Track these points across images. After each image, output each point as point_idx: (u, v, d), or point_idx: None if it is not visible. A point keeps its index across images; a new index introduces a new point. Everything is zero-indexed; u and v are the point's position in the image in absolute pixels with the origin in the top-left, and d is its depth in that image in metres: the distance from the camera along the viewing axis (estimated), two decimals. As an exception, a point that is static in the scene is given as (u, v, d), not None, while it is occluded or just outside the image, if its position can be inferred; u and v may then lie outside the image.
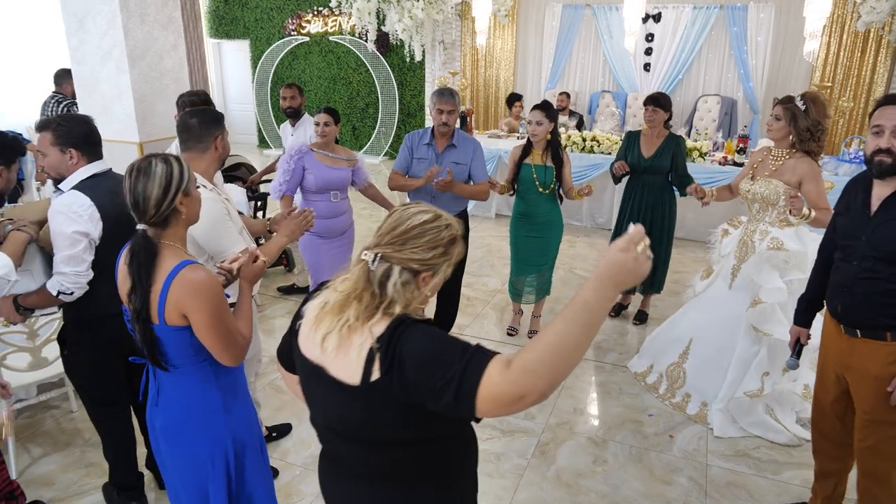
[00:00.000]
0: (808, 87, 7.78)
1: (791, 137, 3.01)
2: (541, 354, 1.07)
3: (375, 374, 1.19)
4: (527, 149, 3.87)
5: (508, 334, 4.31)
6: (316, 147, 3.66)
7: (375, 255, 1.26)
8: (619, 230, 4.47)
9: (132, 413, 2.64)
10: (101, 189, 2.26)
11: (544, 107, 3.78)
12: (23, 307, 2.30)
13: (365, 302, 1.25)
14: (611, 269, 1.08)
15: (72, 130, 2.27)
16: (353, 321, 1.24)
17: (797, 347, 2.53)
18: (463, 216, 3.82)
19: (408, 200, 3.76)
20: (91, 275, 2.26)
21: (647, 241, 1.10)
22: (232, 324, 1.81)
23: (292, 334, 1.42)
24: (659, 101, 4.06)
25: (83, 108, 4.94)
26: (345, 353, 1.24)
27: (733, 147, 6.26)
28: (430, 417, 1.21)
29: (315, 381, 1.32)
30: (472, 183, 3.65)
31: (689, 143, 6.16)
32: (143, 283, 1.72)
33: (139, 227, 1.79)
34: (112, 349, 2.39)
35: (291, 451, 3.09)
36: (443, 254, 1.29)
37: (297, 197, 3.75)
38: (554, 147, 3.83)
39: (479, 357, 1.13)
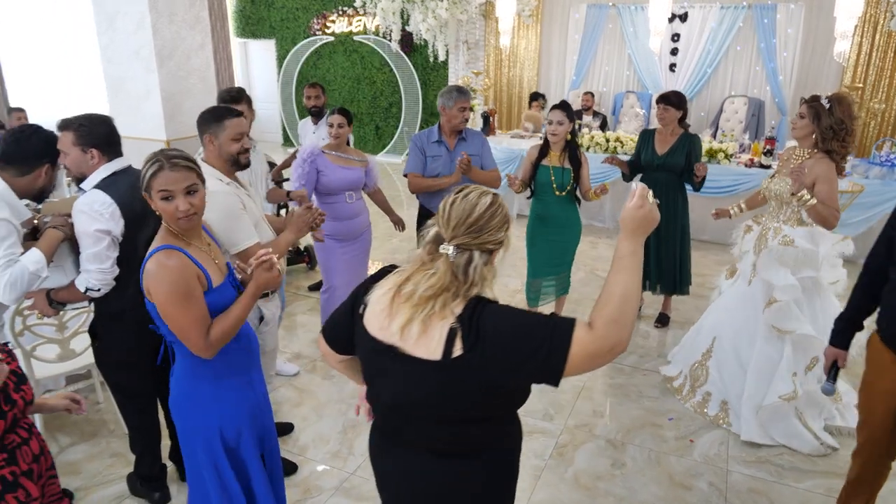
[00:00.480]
0: (839, 88, 7.62)
1: (814, 136, 3.00)
2: (617, 306, 1.25)
3: (458, 351, 1.28)
4: (544, 150, 3.84)
5: None
6: (328, 148, 3.66)
7: (455, 247, 1.33)
8: None
9: (159, 407, 2.69)
10: (121, 186, 2.30)
11: (564, 106, 3.77)
12: (55, 301, 2.36)
13: (451, 291, 1.33)
14: (635, 224, 1.30)
15: (93, 131, 2.31)
16: (440, 309, 1.31)
17: (833, 371, 2.33)
18: None
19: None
20: (116, 271, 2.31)
21: (651, 191, 1.32)
22: (187, 318, 1.80)
23: (353, 319, 1.47)
24: (670, 100, 4.06)
25: (112, 107, 5.05)
26: (426, 334, 1.32)
27: (760, 149, 6.16)
28: (498, 394, 1.34)
29: (388, 360, 1.37)
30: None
31: (715, 145, 6.09)
32: (142, 259, 1.87)
33: None
34: (141, 341, 2.43)
35: (311, 446, 3.13)
36: (508, 228, 1.39)
37: (312, 200, 3.76)
38: (572, 148, 3.81)
39: (563, 322, 1.27)
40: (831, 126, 2.92)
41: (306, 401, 3.52)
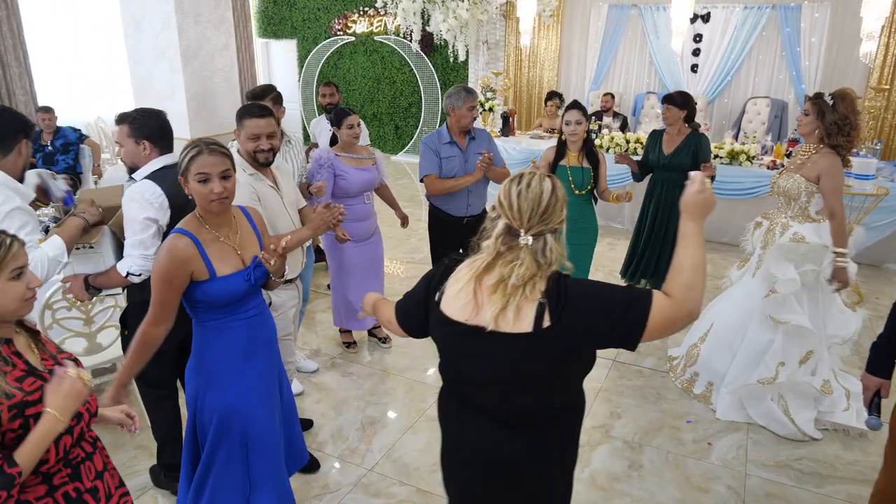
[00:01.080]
0: (865, 89, 7.51)
1: (818, 132, 3.07)
2: (691, 275, 1.40)
3: (546, 323, 1.42)
4: (560, 150, 3.84)
5: None
6: (340, 150, 3.66)
7: (531, 237, 1.46)
8: (640, 227, 4.49)
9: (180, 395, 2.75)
10: (170, 179, 2.37)
11: (579, 106, 3.77)
12: (92, 287, 2.43)
13: (539, 276, 1.46)
14: (697, 206, 1.46)
15: (146, 123, 2.43)
16: (530, 293, 1.44)
17: (875, 402, 2.14)
18: (486, 212, 3.86)
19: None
20: None
21: (707, 179, 1.48)
22: (156, 296, 1.99)
23: (427, 307, 1.61)
24: (673, 99, 4.13)
25: (139, 106, 5.14)
26: (519, 312, 1.44)
27: (783, 151, 6.09)
28: (579, 359, 1.50)
29: (473, 340, 1.49)
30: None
31: (737, 147, 6.03)
32: None
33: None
34: (170, 332, 2.50)
35: (329, 442, 3.17)
36: (564, 206, 1.51)
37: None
38: (589, 147, 3.80)
39: (642, 291, 1.43)
40: (835, 122, 3.00)
41: (325, 397, 3.56)
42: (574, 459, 1.71)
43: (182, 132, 4.81)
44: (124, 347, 2.68)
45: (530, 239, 1.46)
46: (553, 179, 1.51)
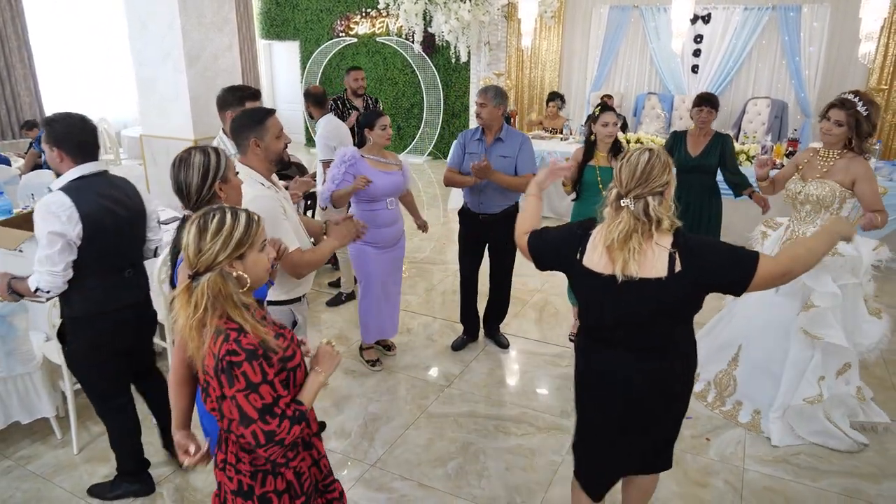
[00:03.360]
0: (865, 89, 7.53)
1: (851, 140, 2.98)
2: (804, 255, 1.82)
3: (678, 268, 1.77)
4: (589, 151, 3.83)
5: (571, 341, 4.18)
6: (369, 153, 3.57)
7: (632, 199, 1.78)
8: None
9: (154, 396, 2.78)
10: (88, 191, 2.29)
11: (611, 108, 3.79)
12: (14, 290, 2.34)
13: (640, 230, 1.78)
14: (841, 230, 1.91)
15: (59, 130, 2.29)
16: (638, 246, 1.77)
17: None
18: (514, 210, 3.87)
19: (462, 199, 3.82)
20: (69, 274, 2.30)
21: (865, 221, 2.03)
22: None
23: (567, 260, 1.95)
24: (714, 103, 4.04)
25: (142, 108, 5.19)
26: (649, 261, 1.79)
27: (783, 151, 6.13)
28: (700, 298, 1.85)
29: (612, 287, 1.82)
30: (516, 174, 3.71)
31: (737, 147, 6.07)
32: (175, 255, 1.94)
33: (184, 212, 2.01)
34: (110, 344, 2.49)
35: (332, 438, 3.20)
36: (670, 171, 1.82)
37: (352, 207, 3.68)
38: (617, 147, 3.81)
39: (749, 252, 1.79)
40: (869, 132, 2.92)
41: (327, 395, 3.60)
42: (692, 379, 2.06)
43: (186, 133, 4.86)
44: (67, 363, 2.67)
45: (629, 201, 1.78)
46: (654, 150, 1.83)
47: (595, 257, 1.88)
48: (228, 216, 1.54)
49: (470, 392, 3.65)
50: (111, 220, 2.35)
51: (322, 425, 3.28)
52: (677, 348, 1.98)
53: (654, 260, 1.78)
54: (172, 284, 2.08)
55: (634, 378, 1.95)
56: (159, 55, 4.84)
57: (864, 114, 2.89)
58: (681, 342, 1.99)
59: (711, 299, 1.99)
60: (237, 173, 2.14)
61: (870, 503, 2.77)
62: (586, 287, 1.95)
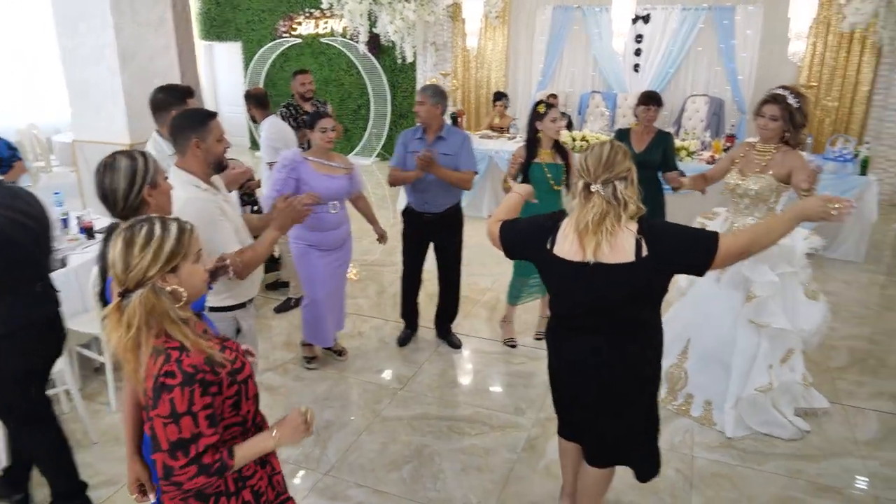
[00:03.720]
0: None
1: (785, 134, 3.08)
2: (763, 235, 1.93)
3: (644, 252, 1.88)
4: (532, 149, 3.82)
5: (510, 345, 4.18)
6: (313, 155, 3.52)
7: (601, 184, 1.90)
8: None
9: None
10: None
11: (553, 105, 3.81)
12: None
13: (612, 213, 1.90)
14: (806, 213, 1.94)
15: None
16: (611, 228, 1.89)
17: None
18: (456, 210, 3.89)
19: (406, 201, 3.78)
20: None
21: (838, 204, 1.89)
22: None
23: (537, 251, 2.05)
24: (659, 101, 4.17)
25: (74, 111, 4.96)
26: (619, 247, 1.90)
27: (721, 146, 6.33)
28: (665, 282, 1.99)
29: (584, 273, 1.93)
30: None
31: (678, 143, 6.24)
32: (105, 269, 1.83)
33: (111, 220, 1.92)
34: (27, 364, 2.38)
35: (283, 448, 3.11)
36: (629, 157, 1.96)
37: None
38: (557, 143, 3.86)
39: (709, 233, 1.93)
40: (802, 122, 3.03)
41: (277, 403, 3.52)
42: (661, 362, 2.18)
43: (121, 137, 4.67)
44: None
45: (599, 186, 1.90)
46: (612, 141, 2.00)
47: (566, 246, 1.97)
48: (157, 227, 1.44)
49: (423, 394, 3.63)
50: (19, 232, 2.25)
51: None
52: (647, 332, 2.07)
53: (623, 244, 1.90)
54: (105, 301, 1.97)
55: (607, 363, 2.04)
56: (92, 56, 4.64)
57: (796, 106, 3.00)
58: (650, 326, 2.08)
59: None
60: (167, 178, 2.05)
61: (811, 482, 2.88)
62: (557, 276, 2.04)
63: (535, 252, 2.08)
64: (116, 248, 1.42)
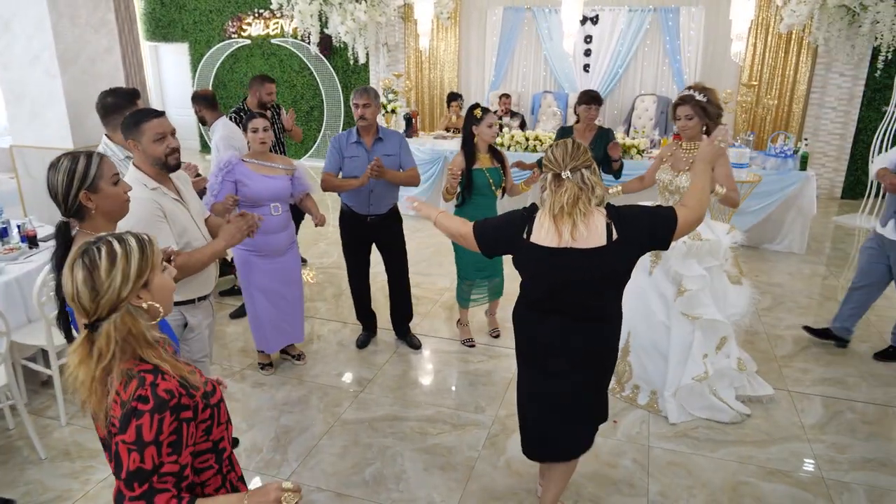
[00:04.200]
0: (737, 86, 8.16)
1: (705, 128, 3.25)
2: (699, 195, 2.16)
3: (615, 235, 2.05)
4: (471, 155, 3.77)
5: (468, 346, 4.19)
6: (250, 156, 3.46)
7: (570, 171, 2.05)
8: None
9: None
10: None
11: (488, 110, 3.81)
12: None
13: (583, 197, 2.05)
14: (709, 154, 2.28)
15: None
16: (584, 209, 2.04)
17: None
18: (395, 211, 3.94)
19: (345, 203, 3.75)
20: None
21: (720, 136, 2.34)
22: None
23: (514, 242, 2.16)
24: (599, 100, 4.30)
25: (10, 115, 4.76)
26: (592, 231, 2.05)
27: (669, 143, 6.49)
28: (632, 264, 2.13)
29: (562, 257, 2.07)
30: (402, 171, 3.81)
31: (628, 141, 6.38)
32: (57, 266, 1.77)
33: (58, 220, 1.87)
34: None
35: (243, 455, 3.07)
36: (588, 150, 2.12)
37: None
38: (492, 147, 3.88)
39: (667, 208, 2.10)
40: (717, 112, 3.22)
41: (236, 410, 3.45)
42: (618, 340, 2.33)
43: (63, 142, 4.50)
44: None
45: (568, 173, 2.05)
46: (570, 138, 2.27)
47: (542, 234, 2.10)
48: (116, 244, 1.34)
49: (384, 396, 3.62)
50: None
51: (235, 441, 3.15)
52: (613, 311, 2.25)
53: (595, 229, 2.05)
54: (67, 325, 1.86)
55: (577, 338, 2.20)
56: (27, 57, 4.46)
57: (705, 100, 3.19)
58: (615, 306, 2.26)
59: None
60: (117, 183, 1.99)
61: (761, 466, 2.99)
62: (533, 261, 2.16)
63: (510, 243, 2.19)
64: (78, 279, 1.31)
